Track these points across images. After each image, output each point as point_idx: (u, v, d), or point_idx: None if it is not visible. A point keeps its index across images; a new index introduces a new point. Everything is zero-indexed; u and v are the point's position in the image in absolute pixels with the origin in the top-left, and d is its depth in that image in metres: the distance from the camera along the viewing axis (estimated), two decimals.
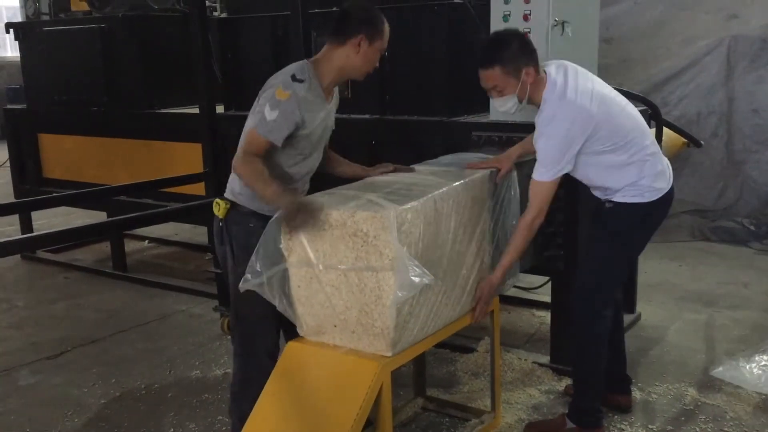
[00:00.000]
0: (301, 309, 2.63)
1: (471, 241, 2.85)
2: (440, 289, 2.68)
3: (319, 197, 2.61)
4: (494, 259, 3.06)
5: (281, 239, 2.56)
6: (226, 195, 2.91)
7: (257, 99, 2.82)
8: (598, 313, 3.10)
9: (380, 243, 2.38)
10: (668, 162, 3.12)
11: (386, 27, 2.82)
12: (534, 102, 2.97)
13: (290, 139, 2.73)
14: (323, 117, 2.83)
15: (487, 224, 2.97)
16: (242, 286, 2.60)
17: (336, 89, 2.94)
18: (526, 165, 3.20)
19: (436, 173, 2.94)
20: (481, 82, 2.95)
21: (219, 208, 2.86)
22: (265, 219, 2.65)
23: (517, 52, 2.88)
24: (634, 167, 2.95)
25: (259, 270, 2.56)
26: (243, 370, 2.91)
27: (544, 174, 2.89)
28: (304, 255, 2.54)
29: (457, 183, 2.76)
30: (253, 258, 2.56)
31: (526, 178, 3.17)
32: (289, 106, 2.67)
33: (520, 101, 2.94)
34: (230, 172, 2.87)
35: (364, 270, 2.43)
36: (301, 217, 2.50)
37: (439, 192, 2.63)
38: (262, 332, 2.85)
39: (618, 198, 3.01)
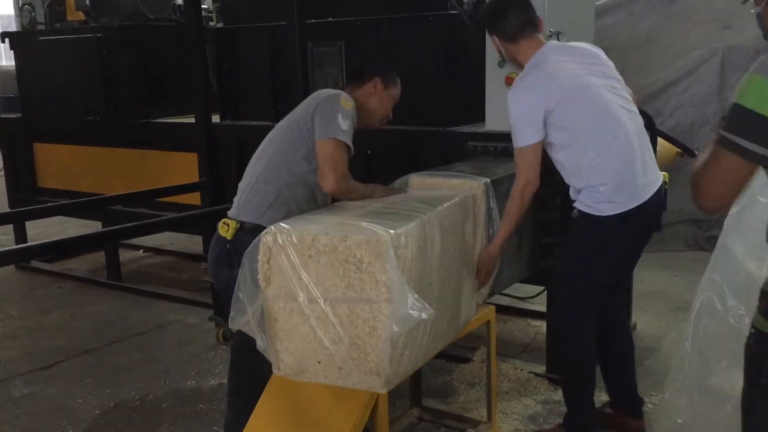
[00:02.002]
0: (279, 345, 2.44)
1: (455, 266, 2.77)
2: (430, 319, 2.52)
3: (293, 224, 2.45)
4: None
5: (258, 270, 2.40)
6: (237, 215, 2.77)
7: (306, 116, 2.79)
8: (574, 325, 3.06)
9: (376, 270, 2.24)
10: (653, 181, 2.96)
11: (398, 80, 3.09)
12: (520, 66, 3.04)
13: None
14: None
15: (470, 247, 2.91)
16: (232, 326, 2.48)
17: None
18: (505, 181, 3.19)
19: (413, 198, 2.83)
20: None
21: (228, 229, 2.72)
22: None
23: (487, 19, 3.09)
24: (597, 170, 2.88)
25: (245, 306, 2.42)
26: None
27: (517, 140, 2.92)
28: (283, 285, 2.37)
29: (441, 206, 2.66)
30: (240, 294, 2.43)
31: (502, 196, 3.14)
32: (353, 114, 2.79)
33: (502, 63, 3.31)
34: (228, 187, 2.84)
35: (358, 300, 2.27)
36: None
37: (426, 216, 2.53)
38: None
39: (579, 204, 2.97)
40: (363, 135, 4.30)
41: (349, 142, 2.73)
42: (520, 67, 3.01)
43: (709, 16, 6.29)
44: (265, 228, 2.45)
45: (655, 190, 2.96)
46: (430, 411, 3.50)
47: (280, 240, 2.36)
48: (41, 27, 6.58)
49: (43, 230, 6.84)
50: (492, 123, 3.77)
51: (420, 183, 3.08)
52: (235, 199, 2.86)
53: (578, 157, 2.91)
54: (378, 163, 4.21)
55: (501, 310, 4.43)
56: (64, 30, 6.07)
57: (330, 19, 4.47)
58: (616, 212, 2.88)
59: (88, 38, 5.62)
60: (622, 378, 3.32)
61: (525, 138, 2.89)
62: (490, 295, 3.18)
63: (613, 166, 2.88)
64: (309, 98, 2.91)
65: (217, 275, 2.82)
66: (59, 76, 5.85)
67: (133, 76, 5.51)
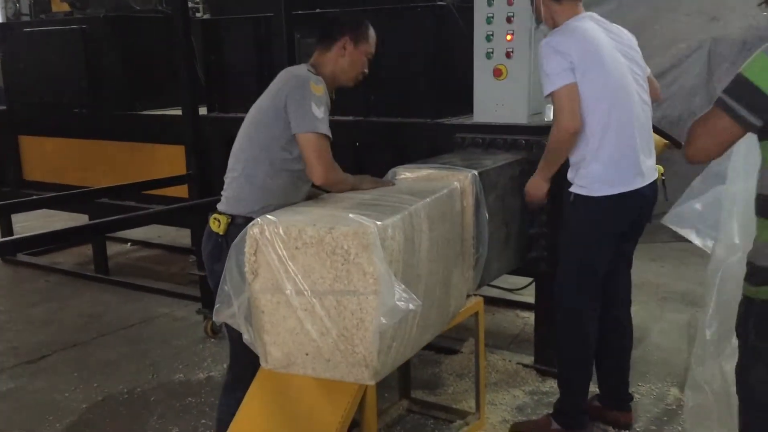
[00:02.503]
0: (266, 338, 2.43)
1: (443, 258, 2.75)
2: (418, 311, 2.49)
3: (280, 216, 2.43)
4: (476, 273, 3.06)
5: (245, 262, 2.38)
6: (227, 209, 2.75)
7: (278, 103, 2.70)
8: (573, 310, 3.09)
9: (363, 262, 2.23)
10: (651, 170, 3.02)
11: (372, 32, 2.91)
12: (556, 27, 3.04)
13: None
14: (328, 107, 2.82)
15: (458, 239, 2.89)
16: (216, 319, 2.47)
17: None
18: (493, 173, 3.19)
19: (401, 190, 2.80)
20: None
21: (219, 224, 2.71)
22: None
23: None
24: (596, 145, 2.90)
25: (230, 299, 2.41)
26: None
27: (551, 84, 2.88)
28: (270, 277, 2.36)
29: (429, 198, 2.64)
30: (226, 287, 2.42)
31: (490, 188, 3.14)
32: (326, 99, 2.72)
33: (538, 22, 3.17)
34: (215, 179, 2.81)
35: (345, 292, 2.26)
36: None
37: (413, 207, 2.51)
38: None
39: (575, 187, 2.99)
40: (351, 126, 4.31)
41: (328, 131, 2.69)
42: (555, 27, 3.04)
43: (695, 7, 6.31)
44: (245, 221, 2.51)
45: (652, 180, 3.01)
46: (419, 402, 3.51)
47: (267, 232, 2.35)
48: (26, 18, 6.53)
49: (28, 224, 6.79)
50: (480, 115, 3.76)
51: (408, 175, 3.07)
52: (223, 193, 2.84)
53: (583, 126, 2.91)
54: (366, 154, 4.21)
55: (489, 301, 4.45)
56: (49, 21, 6.02)
57: (317, 9, 4.45)
58: (610, 193, 2.92)
59: (73, 30, 5.57)
60: (617, 376, 3.33)
61: (558, 79, 2.87)
62: (479, 286, 3.18)
63: (611, 146, 2.91)
64: (276, 81, 2.81)
65: (213, 270, 2.79)
66: (44, 68, 5.79)
67: (119, 68, 5.47)
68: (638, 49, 3.09)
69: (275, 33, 4.17)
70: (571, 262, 3.08)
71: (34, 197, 5.02)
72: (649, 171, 3.02)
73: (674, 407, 3.47)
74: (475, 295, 3.14)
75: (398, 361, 2.55)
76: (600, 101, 2.90)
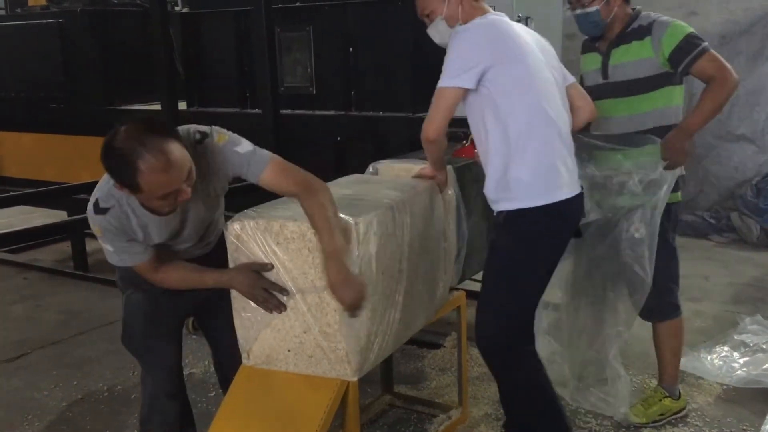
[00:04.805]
0: (246, 334, 2.44)
1: (425, 253, 2.73)
2: (400, 306, 2.54)
3: (261, 211, 2.40)
4: (458, 266, 3.06)
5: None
6: None
7: None
8: (517, 353, 2.67)
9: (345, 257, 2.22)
10: (576, 182, 2.62)
11: (143, 174, 2.12)
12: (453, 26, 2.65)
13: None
14: (166, 223, 2.40)
15: (440, 233, 2.87)
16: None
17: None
18: (471, 167, 3.17)
19: (383, 184, 2.76)
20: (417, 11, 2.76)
21: None
22: None
23: None
24: (520, 149, 2.52)
25: None
26: (143, 396, 2.73)
27: (443, 80, 2.53)
28: None
29: (410, 193, 2.62)
30: None
31: (470, 182, 3.12)
32: (108, 236, 2.40)
33: (451, 26, 2.64)
34: None
35: (328, 288, 2.24)
36: (260, 283, 2.31)
37: (395, 202, 2.49)
38: (156, 349, 2.62)
39: (503, 204, 2.61)
40: (332, 120, 4.30)
41: (121, 262, 2.47)
42: (451, 26, 2.64)
43: (675, 2, 6.34)
44: None
45: (578, 192, 2.63)
46: (402, 397, 3.51)
47: (248, 228, 2.33)
48: (1, 13, 6.45)
49: (6, 220, 6.71)
50: (460, 109, 3.75)
51: (388, 169, 3.06)
52: None
53: (505, 126, 2.54)
54: (347, 148, 4.20)
55: (471, 295, 4.44)
56: (25, 15, 5.95)
57: (298, 3, 4.43)
58: (544, 203, 2.52)
59: (50, 24, 5.51)
60: None
61: (454, 77, 2.50)
62: (461, 280, 3.18)
63: (538, 147, 2.53)
64: None
65: None
66: (21, 63, 5.74)
67: (97, 62, 5.43)
68: (551, 48, 2.74)
69: (255, 27, 4.15)
70: (504, 294, 2.64)
71: (11, 193, 4.97)
72: (575, 182, 2.63)
73: None
74: (457, 289, 3.15)
75: (381, 357, 2.55)
76: (525, 95, 2.52)
